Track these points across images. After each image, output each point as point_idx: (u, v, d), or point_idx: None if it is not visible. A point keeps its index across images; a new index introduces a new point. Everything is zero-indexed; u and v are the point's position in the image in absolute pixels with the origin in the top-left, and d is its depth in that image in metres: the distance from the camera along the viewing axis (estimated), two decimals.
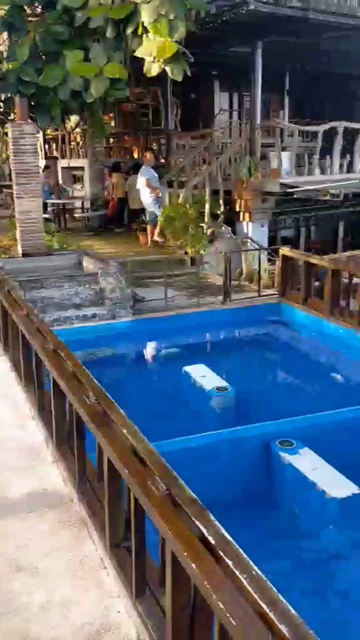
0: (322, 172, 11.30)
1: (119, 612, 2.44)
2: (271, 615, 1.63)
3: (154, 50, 6.82)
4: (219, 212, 10.89)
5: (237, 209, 11.29)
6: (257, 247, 10.36)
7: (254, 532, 4.12)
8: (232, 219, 11.31)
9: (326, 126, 11.33)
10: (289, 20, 9.87)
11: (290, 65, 14.57)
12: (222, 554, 1.87)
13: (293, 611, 1.67)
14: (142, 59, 7.22)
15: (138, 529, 2.39)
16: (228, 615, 1.64)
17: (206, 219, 10.60)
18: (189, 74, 7.12)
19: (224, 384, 5.66)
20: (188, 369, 6.10)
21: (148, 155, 12.21)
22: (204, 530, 1.96)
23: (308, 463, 4.27)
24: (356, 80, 15.36)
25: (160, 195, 11.17)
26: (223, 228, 10.81)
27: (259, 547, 3.96)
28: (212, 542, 1.91)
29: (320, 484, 4.00)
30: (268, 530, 4.18)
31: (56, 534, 2.95)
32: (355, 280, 7.55)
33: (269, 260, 10.11)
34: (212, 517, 2.03)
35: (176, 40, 6.74)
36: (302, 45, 12.19)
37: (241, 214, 11.27)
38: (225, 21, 9.71)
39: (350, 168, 11.74)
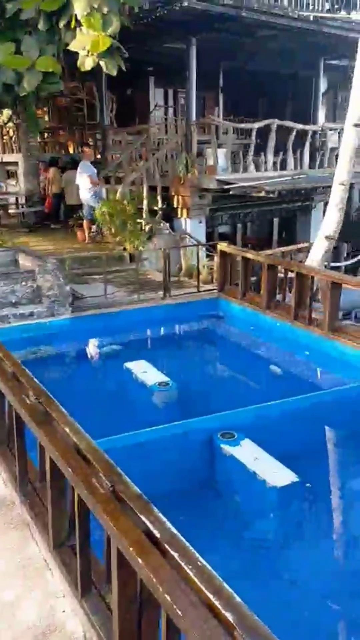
0: (257, 169, 11.53)
1: (64, 611, 2.42)
2: (217, 603, 1.66)
3: (88, 44, 6.72)
4: (156, 208, 10.91)
5: (175, 205, 11.35)
6: (195, 243, 10.45)
7: (200, 523, 4.18)
8: (170, 215, 11.35)
9: (260, 124, 11.55)
10: (222, 18, 9.99)
11: (225, 63, 14.75)
12: (167, 546, 1.89)
13: (238, 598, 1.71)
14: (76, 53, 7.11)
15: (82, 527, 2.38)
16: (174, 606, 1.67)
17: (144, 215, 10.59)
18: (123, 69, 7.07)
19: (165, 379, 5.69)
20: (129, 365, 6.09)
21: (87, 150, 12.07)
22: (149, 525, 1.97)
23: (249, 454, 4.35)
24: (288, 79, 15.73)
25: (99, 187, 11.11)
26: (161, 224, 10.84)
27: (204, 538, 4.02)
28: (158, 535, 1.93)
29: (261, 473, 4.10)
30: (213, 522, 4.24)
31: None
32: (290, 274, 7.74)
33: (208, 256, 10.23)
34: (156, 511, 2.05)
35: (110, 34, 6.67)
36: (236, 44, 12.38)
37: (179, 210, 11.33)
38: (159, 17, 9.72)
39: (283, 166, 12.02)
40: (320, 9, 11.75)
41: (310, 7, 11.64)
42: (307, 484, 4.24)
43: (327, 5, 12.45)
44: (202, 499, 4.45)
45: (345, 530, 4.39)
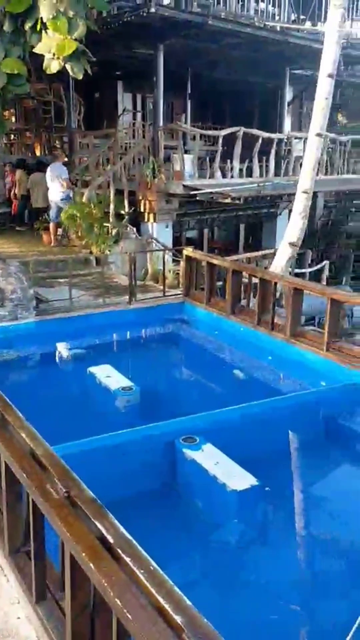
0: (224, 175, 11.64)
1: (18, 617, 2.40)
2: (166, 606, 1.68)
3: (54, 48, 6.70)
4: (123, 212, 10.90)
5: (142, 210, 11.36)
6: (161, 247, 10.49)
7: (161, 528, 4.20)
8: (137, 220, 11.37)
9: (227, 131, 11.67)
10: (189, 25, 10.07)
11: (192, 70, 14.86)
12: (120, 552, 1.90)
13: (188, 602, 1.73)
14: (43, 55, 7.07)
15: (37, 533, 2.37)
16: (124, 610, 1.68)
17: (111, 219, 10.57)
18: (90, 72, 7.06)
19: (129, 383, 5.69)
20: (93, 369, 6.07)
21: (59, 152, 12.04)
22: (103, 530, 1.98)
23: (210, 458, 4.39)
24: (255, 87, 15.93)
25: (70, 190, 11.08)
26: (128, 228, 10.84)
27: (165, 543, 4.05)
28: (111, 541, 1.94)
29: (221, 477, 4.14)
30: (174, 526, 4.26)
31: None
32: (254, 280, 7.84)
33: (174, 260, 10.27)
34: (111, 517, 2.06)
35: (76, 38, 6.66)
36: (204, 51, 12.49)
37: (146, 214, 11.35)
38: (127, 22, 9.74)
39: (249, 173, 12.16)
40: (285, 19, 11.95)
41: (277, 18, 11.84)
42: (267, 488, 4.29)
43: (293, 16, 12.68)
44: (163, 504, 4.47)
45: (304, 532, 4.47)
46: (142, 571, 1.81)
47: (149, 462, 4.70)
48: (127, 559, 1.86)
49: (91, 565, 1.86)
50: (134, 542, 1.94)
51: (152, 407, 5.81)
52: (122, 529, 1.99)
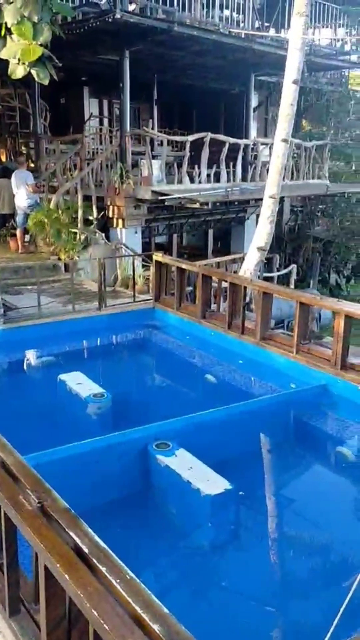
0: (192, 181, 11.69)
1: None
2: (144, 616, 1.67)
3: (19, 53, 6.65)
4: (91, 218, 10.85)
5: (111, 215, 11.33)
6: (131, 253, 10.47)
7: (136, 536, 4.17)
8: (106, 225, 11.32)
9: (194, 137, 11.74)
10: (154, 31, 10.11)
11: (159, 76, 14.92)
12: (95, 561, 1.88)
13: (166, 610, 1.72)
14: (8, 60, 7.01)
15: (10, 545, 2.33)
16: (102, 621, 1.66)
17: (79, 225, 10.51)
18: (55, 78, 7.04)
19: (100, 390, 5.65)
20: (64, 377, 6.00)
21: (23, 158, 11.92)
22: (78, 540, 1.96)
23: (183, 463, 4.39)
24: (221, 93, 16.08)
25: (38, 195, 10.98)
26: (97, 234, 10.79)
27: (140, 550, 4.03)
28: (86, 550, 1.92)
29: (195, 482, 4.14)
30: (149, 533, 4.24)
31: None
32: (224, 284, 7.89)
33: (144, 266, 10.26)
34: (85, 526, 2.03)
35: (41, 43, 6.63)
36: (170, 57, 12.55)
37: (114, 220, 11.32)
38: (92, 28, 9.72)
39: (217, 178, 12.25)
40: (250, 26, 12.10)
41: (241, 25, 11.98)
42: (241, 492, 4.31)
43: (257, 24, 12.85)
44: (137, 511, 4.44)
45: (278, 534, 4.49)
46: (118, 580, 1.79)
47: (122, 469, 4.67)
48: (103, 569, 1.84)
49: (66, 576, 1.84)
50: (109, 551, 1.92)
51: (125, 413, 5.78)
52: (96, 538, 1.97)
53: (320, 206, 16.65)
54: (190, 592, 3.80)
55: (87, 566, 1.87)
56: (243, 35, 11.76)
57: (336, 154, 16.64)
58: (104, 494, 4.39)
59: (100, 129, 14.78)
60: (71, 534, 1.97)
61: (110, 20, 9.34)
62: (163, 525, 4.36)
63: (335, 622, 1.94)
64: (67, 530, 1.98)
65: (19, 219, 11.01)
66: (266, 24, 13.90)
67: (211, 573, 4.03)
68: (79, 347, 8.00)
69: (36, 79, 7.01)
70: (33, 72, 6.93)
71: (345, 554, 4.06)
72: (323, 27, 14.60)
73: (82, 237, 10.44)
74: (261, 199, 8.93)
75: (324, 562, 4.10)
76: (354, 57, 15.39)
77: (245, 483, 4.55)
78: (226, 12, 12.05)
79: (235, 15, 12.19)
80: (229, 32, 11.50)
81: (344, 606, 2.00)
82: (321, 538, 4.30)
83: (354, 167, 18.03)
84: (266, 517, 4.67)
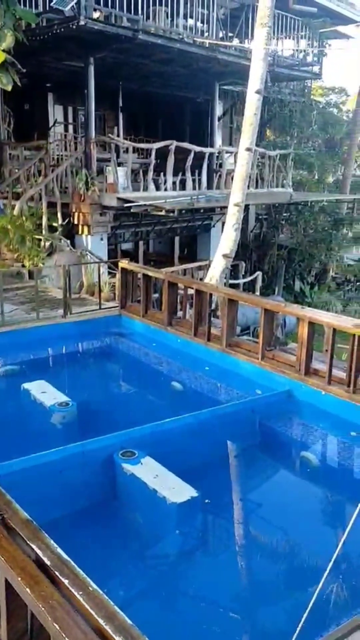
0: (157, 188, 11.72)
1: None
2: (107, 628, 1.65)
3: None
4: (56, 224, 10.76)
5: (76, 222, 11.25)
6: (96, 260, 10.41)
7: (102, 546, 4.12)
8: (71, 232, 11.24)
9: (159, 144, 11.77)
10: (118, 39, 10.12)
11: (124, 83, 14.93)
12: (58, 574, 1.85)
13: (129, 622, 1.70)
14: None
15: None
16: (64, 635, 1.64)
17: (44, 232, 10.40)
18: (19, 84, 6.97)
19: (65, 398, 5.58)
20: (27, 386, 5.91)
21: None
22: (39, 552, 1.93)
23: (149, 471, 4.36)
24: (186, 102, 16.19)
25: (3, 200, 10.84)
26: (62, 241, 10.70)
27: (106, 560, 3.98)
28: (48, 563, 1.89)
29: (161, 491, 4.12)
30: (115, 543, 4.19)
31: None
32: (190, 291, 7.91)
33: (109, 273, 10.21)
34: (47, 538, 2.00)
35: (4, 49, 6.57)
36: (135, 65, 12.58)
37: (80, 226, 11.24)
38: (56, 35, 9.68)
39: (183, 186, 12.31)
40: (214, 36, 12.23)
41: (205, 35, 12.09)
42: (207, 500, 4.31)
43: (221, 34, 13.00)
44: (103, 521, 4.39)
45: (244, 540, 4.50)
46: (80, 592, 1.77)
47: (87, 478, 4.62)
48: (65, 581, 1.81)
49: (27, 589, 1.80)
50: (72, 562, 1.90)
51: (90, 422, 5.72)
52: (59, 550, 1.94)
53: (285, 214, 16.88)
54: (157, 601, 3.77)
55: (49, 579, 1.84)
56: (207, 45, 11.88)
57: (299, 163, 16.94)
58: (68, 504, 4.33)
59: (65, 136, 14.69)
60: (33, 546, 1.94)
61: (74, 27, 9.32)
62: (129, 534, 4.32)
63: (299, 627, 1.95)
64: (28, 542, 1.95)
65: None
66: (230, 34, 14.06)
67: (178, 581, 4.01)
68: (43, 356, 7.89)
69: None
70: None
71: (310, 558, 4.09)
72: (286, 38, 14.86)
73: (47, 244, 10.34)
74: (226, 207, 9.01)
75: (290, 566, 4.13)
76: (315, 68, 15.72)
77: (212, 490, 4.55)
78: (190, 22, 12.15)
79: (199, 24, 12.31)
80: (194, 41, 11.60)
81: (307, 610, 2.02)
82: (287, 543, 4.34)
83: (316, 176, 18.38)
84: (232, 523, 4.68)
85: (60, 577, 1.82)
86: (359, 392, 5.37)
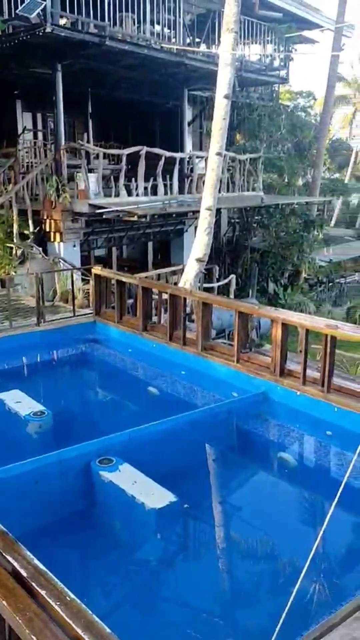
0: (129, 194, 11.71)
1: None
2: (86, 638, 1.64)
3: None
4: (27, 232, 10.67)
5: (48, 229, 11.18)
6: (69, 266, 10.35)
7: (80, 555, 4.09)
8: (43, 239, 11.16)
9: (130, 150, 11.77)
10: (86, 45, 10.11)
11: (93, 89, 14.90)
12: (35, 585, 1.83)
13: (107, 630, 1.70)
14: None
15: None
16: None
17: (15, 240, 10.31)
18: None
19: (40, 408, 5.52)
20: (2, 396, 5.84)
21: None
22: (16, 564, 1.90)
23: (127, 478, 4.35)
24: (155, 107, 16.22)
25: None
26: (33, 248, 10.62)
27: (85, 569, 3.95)
28: (24, 574, 1.86)
29: (139, 497, 4.11)
30: (93, 551, 4.16)
31: None
32: (164, 296, 7.91)
33: (83, 279, 10.16)
34: (23, 550, 1.98)
35: None
36: (103, 71, 12.58)
37: (52, 234, 11.18)
38: (23, 42, 9.62)
39: (154, 191, 12.32)
40: (181, 42, 12.30)
41: (173, 40, 12.16)
42: (185, 505, 4.31)
43: (188, 39, 13.09)
44: (81, 529, 4.36)
45: (224, 544, 4.51)
46: (58, 603, 1.75)
47: (65, 487, 4.58)
48: (42, 592, 1.79)
49: (4, 602, 1.78)
50: (49, 573, 1.88)
51: (67, 430, 5.67)
52: (36, 561, 1.92)
53: (257, 217, 17.02)
54: (137, 608, 3.75)
55: (26, 590, 1.82)
56: (175, 51, 11.94)
57: (270, 167, 17.10)
58: (45, 514, 4.29)
59: (35, 143, 14.58)
60: (8, 558, 1.91)
61: (41, 34, 9.28)
62: (108, 542, 4.29)
63: (278, 627, 1.96)
64: (4, 554, 1.92)
65: None
66: (197, 40, 14.18)
67: (159, 588, 4.00)
68: (17, 365, 7.79)
69: None
70: None
71: (290, 558, 4.11)
72: (252, 43, 15.03)
73: (19, 251, 10.25)
74: (199, 211, 9.05)
75: (271, 567, 4.14)
76: (282, 73, 15.92)
77: (191, 494, 4.55)
78: (157, 28, 12.21)
79: (166, 30, 12.38)
80: (161, 47, 11.65)
81: (285, 611, 2.03)
82: (267, 544, 4.35)
83: (286, 179, 18.57)
84: (212, 527, 4.68)
85: (38, 588, 1.80)
86: (332, 392, 5.43)
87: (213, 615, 3.67)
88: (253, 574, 4.06)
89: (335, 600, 3.46)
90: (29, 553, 1.95)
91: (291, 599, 2.08)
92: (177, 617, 3.69)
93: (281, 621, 1.98)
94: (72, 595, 1.79)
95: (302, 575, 2.27)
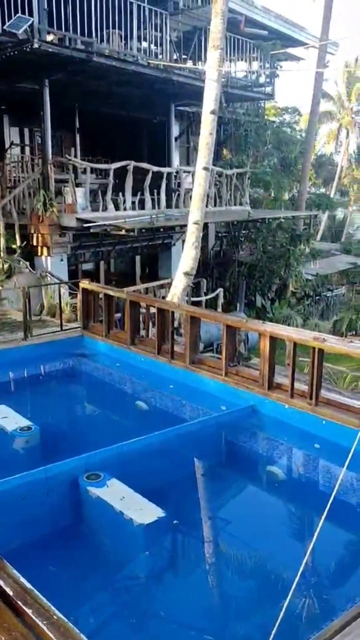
0: (117, 208, 11.75)
1: None
2: None
3: None
4: (15, 246, 10.65)
5: (35, 244, 11.16)
6: (57, 280, 10.32)
7: (68, 572, 4.02)
8: (30, 254, 11.13)
9: (117, 165, 11.83)
10: (73, 61, 10.18)
11: (80, 105, 14.99)
12: (21, 604, 1.80)
13: None
14: None
15: None
16: None
17: (2, 254, 10.28)
18: None
19: (27, 423, 5.47)
20: None
21: None
22: (1, 583, 1.87)
23: (116, 494, 4.30)
24: (143, 122, 16.35)
25: None
26: (21, 262, 10.59)
27: (73, 587, 3.88)
28: (10, 593, 1.83)
29: (128, 513, 4.06)
30: (81, 568, 4.10)
31: None
32: (152, 310, 7.91)
33: (71, 294, 10.14)
34: (9, 568, 1.94)
35: None
36: (91, 87, 12.66)
37: (39, 248, 11.16)
38: (9, 58, 9.67)
39: (142, 205, 12.37)
40: (168, 58, 12.43)
41: (159, 57, 12.29)
42: (175, 521, 4.27)
43: (175, 56, 13.23)
44: (69, 546, 4.29)
45: (214, 559, 4.47)
46: (45, 622, 1.72)
47: (52, 503, 4.52)
48: (29, 611, 1.76)
49: None
50: (36, 591, 1.84)
51: (54, 446, 5.61)
52: (22, 580, 1.89)
53: (244, 232, 17.13)
54: (127, 625, 3.69)
55: (11, 609, 1.78)
56: (162, 67, 12.06)
57: (256, 182, 17.25)
58: (32, 531, 4.22)
59: (22, 157, 14.61)
60: None
61: (28, 50, 9.34)
62: (96, 558, 4.23)
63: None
64: None
65: None
66: (184, 56, 14.33)
67: (148, 604, 3.94)
68: (4, 380, 7.72)
69: None
70: None
71: (279, 574, 4.08)
72: (238, 60, 15.22)
73: (6, 266, 10.21)
74: (186, 225, 9.09)
75: (260, 583, 4.10)
76: (268, 89, 16.13)
77: (179, 509, 4.52)
78: (144, 44, 12.34)
79: (153, 47, 12.51)
80: (148, 63, 11.76)
81: (276, 625, 2.01)
82: (256, 558, 4.32)
83: (272, 194, 18.74)
84: (201, 542, 4.63)
85: (24, 607, 1.76)
86: (320, 405, 5.44)
87: (203, 632, 3.62)
88: (243, 590, 4.02)
89: (326, 616, 3.43)
90: (15, 571, 1.91)
91: (281, 614, 2.06)
92: (167, 634, 3.64)
93: (271, 637, 1.96)
94: (59, 614, 1.75)
95: (292, 590, 2.25)
